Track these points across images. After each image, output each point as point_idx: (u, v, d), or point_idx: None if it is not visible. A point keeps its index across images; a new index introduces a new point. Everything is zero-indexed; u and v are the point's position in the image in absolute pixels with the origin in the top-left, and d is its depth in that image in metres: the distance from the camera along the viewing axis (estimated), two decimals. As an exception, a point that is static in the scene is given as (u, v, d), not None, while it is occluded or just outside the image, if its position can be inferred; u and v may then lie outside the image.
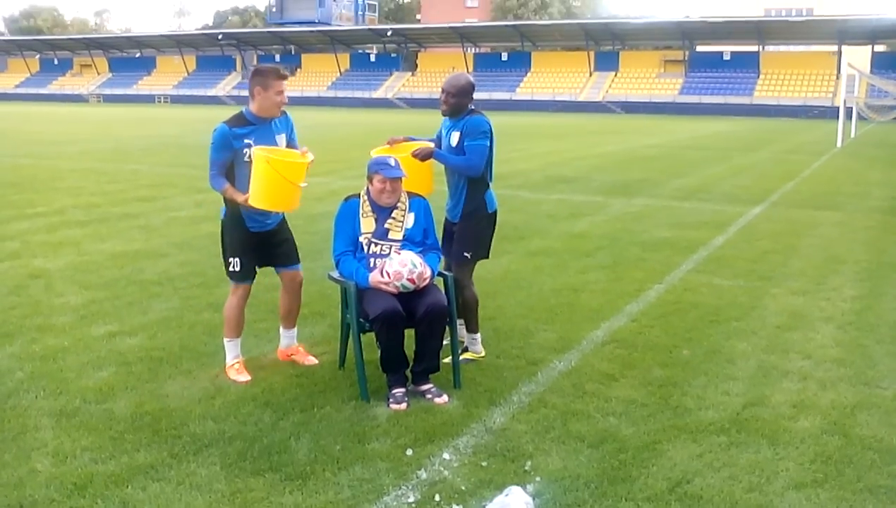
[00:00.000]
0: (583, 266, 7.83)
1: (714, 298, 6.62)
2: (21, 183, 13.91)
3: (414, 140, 5.20)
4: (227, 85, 78.50)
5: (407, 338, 4.42)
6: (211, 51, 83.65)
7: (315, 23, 78.00)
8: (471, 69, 67.84)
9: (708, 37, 64.51)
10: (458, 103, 4.90)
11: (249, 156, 4.49)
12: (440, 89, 4.97)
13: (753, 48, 63.65)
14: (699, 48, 66.82)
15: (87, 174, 15.42)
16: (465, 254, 4.99)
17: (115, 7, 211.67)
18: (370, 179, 4.62)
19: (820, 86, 59.04)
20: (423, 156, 4.84)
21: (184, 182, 14.17)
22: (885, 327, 5.86)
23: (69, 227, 9.61)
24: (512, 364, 4.98)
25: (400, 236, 4.60)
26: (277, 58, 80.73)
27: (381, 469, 3.58)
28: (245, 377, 4.65)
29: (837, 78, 53.61)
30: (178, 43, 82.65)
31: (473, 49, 75.13)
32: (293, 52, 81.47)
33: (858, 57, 48.24)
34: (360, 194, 4.70)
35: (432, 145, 5.01)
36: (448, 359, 4.66)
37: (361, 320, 4.46)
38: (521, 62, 70.96)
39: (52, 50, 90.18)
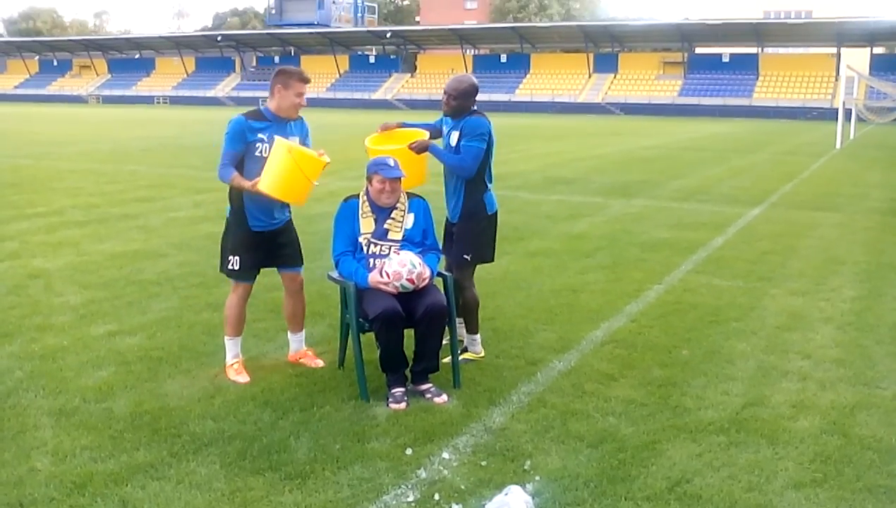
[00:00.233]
0: (582, 266, 7.84)
1: (713, 299, 6.62)
2: (20, 183, 13.91)
3: (407, 126, 5.19)
4: (227, 86, 78.52)
5: (406, 338, 4.42)
6: (210, 52, 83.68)
7: (314, 24, 77.94)
8: (470, 71, 67.64)
9: (707, 39, 64.54)
10: (459, 106, 4.90)
11: (261, 152, 4.48)
12: (442, 91, 4.97)
13: (752, 50, 63.72)
14: (698, 50, 66.91)
15: (86, 175, 15.41)
16: (465, 256, 4.98)
17: (115, 8, 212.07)
18: (369, 179, 4.62)
19: (819, 87, 59.13)
20: (418, 148, 4.85)
21: (183, 182, 14.17)
22: (885, 327, 5.87)
23: (68, 228, 9.61)
24: (511, 364, 4.98)
25: (399, 236, 4.60)
26: (276, 59, 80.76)
27: (380, 469, 3.58)
28: (244, 378, 4.65)
29: (836, 80, 53.81)
30: (178, 44, 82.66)
31: (472, 50, 75.18)
32: (292, 54, 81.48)
33: (857, 59, 48.41)
34: (359, 194, 4.70)
35: (428, 136, 5.01)
36: (447, 359, 4.67)
37: (361, 320, 4.46)
38: (520, 64, 71.05)
39: (52, 51, 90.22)
